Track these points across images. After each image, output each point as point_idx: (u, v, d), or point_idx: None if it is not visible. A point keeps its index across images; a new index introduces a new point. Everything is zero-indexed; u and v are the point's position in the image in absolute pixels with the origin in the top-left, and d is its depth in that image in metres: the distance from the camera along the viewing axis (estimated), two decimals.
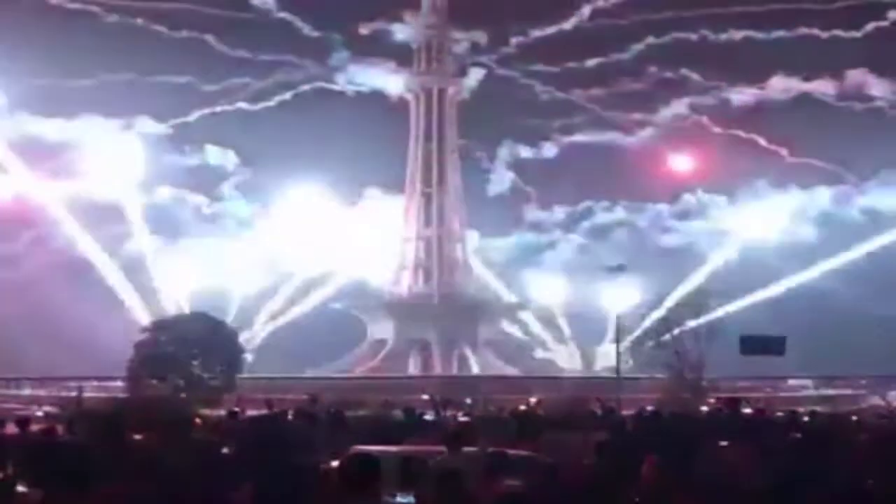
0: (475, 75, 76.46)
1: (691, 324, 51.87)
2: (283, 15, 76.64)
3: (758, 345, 37.55)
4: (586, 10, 76.75)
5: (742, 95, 78.83)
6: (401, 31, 75.85)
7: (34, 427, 20.53)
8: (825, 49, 76.25)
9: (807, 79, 78.04)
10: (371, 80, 77.14)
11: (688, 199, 79.33)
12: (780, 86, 78.09)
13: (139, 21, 73.07)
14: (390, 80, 77.02)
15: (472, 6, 73.10)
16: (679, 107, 79.27)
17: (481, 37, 76.58)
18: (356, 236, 74.15)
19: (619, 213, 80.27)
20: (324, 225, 74.47)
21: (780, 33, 76.95)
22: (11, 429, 20.83)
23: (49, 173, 70.00)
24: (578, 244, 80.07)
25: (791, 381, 63.25)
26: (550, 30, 77.84)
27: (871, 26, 76.67)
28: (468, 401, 39.72)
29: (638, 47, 77.79)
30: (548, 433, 20.71)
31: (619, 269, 65.91)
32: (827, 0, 76.81)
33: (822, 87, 77.89)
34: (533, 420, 25.92)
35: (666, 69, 78.79)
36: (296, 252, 74.14)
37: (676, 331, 52.12)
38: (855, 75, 77.17)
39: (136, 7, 73.40)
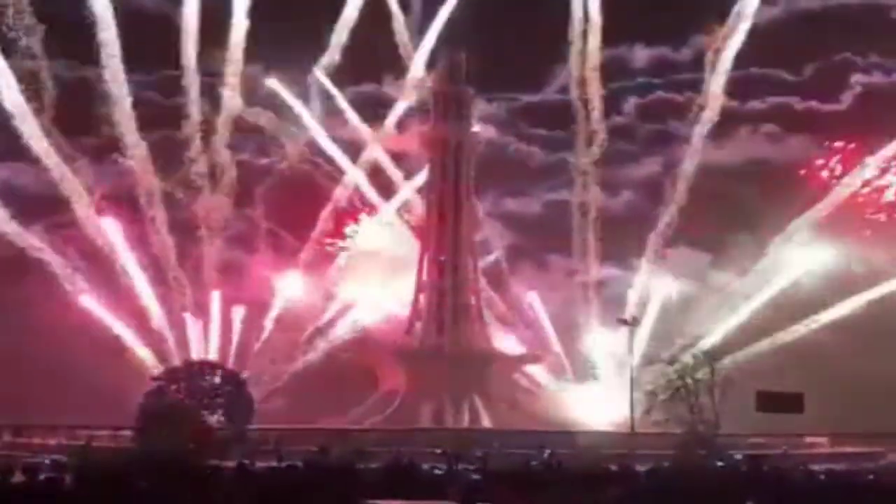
0: (485, 133, 78.00)
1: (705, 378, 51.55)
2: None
3: (774, 401, 36.90)
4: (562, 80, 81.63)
5: (722, 152, 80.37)
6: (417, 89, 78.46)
7: (41, 476, 20.32)
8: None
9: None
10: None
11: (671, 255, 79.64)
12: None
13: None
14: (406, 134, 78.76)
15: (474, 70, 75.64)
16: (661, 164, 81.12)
17: (488, 107, 79.71)
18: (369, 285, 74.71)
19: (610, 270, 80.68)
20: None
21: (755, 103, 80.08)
22: (18, 477, 20.61)
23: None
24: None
25: (807, 438, 62.44)
26: (536, 96, 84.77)
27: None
28: (479, 454, 39.25)
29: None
30: (561, 488, 20.41)
31: (632, 322, 65.90)
32: (798, 71, 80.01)
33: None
34: (546, 475, 25.55)
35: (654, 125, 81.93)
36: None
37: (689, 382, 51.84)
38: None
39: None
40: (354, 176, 79.78)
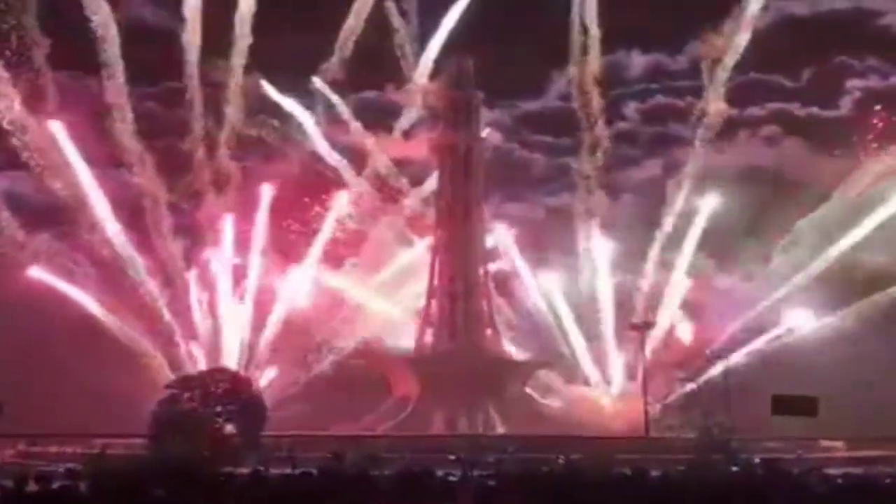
0: (492, 139, 78.38)
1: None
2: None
3: (789, 405, 36.64)
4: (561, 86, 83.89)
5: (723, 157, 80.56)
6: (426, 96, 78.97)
7: (56, 485, 20.35)
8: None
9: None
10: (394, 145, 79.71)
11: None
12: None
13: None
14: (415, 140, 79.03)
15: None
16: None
17: (490, 114, 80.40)
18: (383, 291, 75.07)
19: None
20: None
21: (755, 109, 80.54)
22: (32, 486, 20.65)
23: None
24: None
25: (823, 442, 62.11)
26: (535, 104, 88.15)
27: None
28: (492, 460, 39.19)
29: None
30: (575, 494, 20.32)
31: (644, 327, 65.71)
32: (796, 77, 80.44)
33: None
34: (559, 480, 25.43)
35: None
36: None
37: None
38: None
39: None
40: (357, 184, 79.83)
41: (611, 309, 77.73)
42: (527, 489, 21.51)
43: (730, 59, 77.96)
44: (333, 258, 78.03)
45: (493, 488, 22.12)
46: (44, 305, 68.89)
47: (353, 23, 79.35)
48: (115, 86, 73.11)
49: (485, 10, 79.25)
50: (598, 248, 78.24)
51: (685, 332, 75.77)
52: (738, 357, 68.32)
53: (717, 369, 66.81)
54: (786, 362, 67.83)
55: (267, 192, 76.34)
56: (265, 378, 71.75)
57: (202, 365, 68.53)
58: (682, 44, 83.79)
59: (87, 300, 70.78)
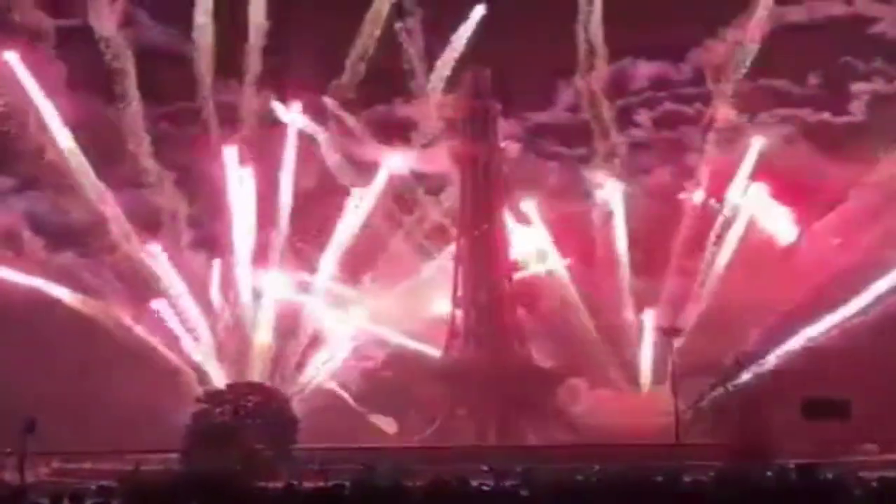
0: (510, 150, 78.34)
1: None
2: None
3: (821, 408, 36.34)
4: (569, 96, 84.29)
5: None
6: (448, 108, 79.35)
7: (89, 503, 20.52)
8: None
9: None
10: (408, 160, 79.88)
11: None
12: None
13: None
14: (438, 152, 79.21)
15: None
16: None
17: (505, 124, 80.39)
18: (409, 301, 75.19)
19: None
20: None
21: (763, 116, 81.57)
22: None
23: None
24: None
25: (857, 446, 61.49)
26: (543, 114, 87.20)
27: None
28: (522, 469, 39.10)
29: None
30: (607, 501, 20.27)
31: (673, 332, 65.45)
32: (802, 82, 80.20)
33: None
34: (593, 489, 25.35)
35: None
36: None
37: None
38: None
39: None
40: (372, 198, 79.86)
41: (631, 307, 77.78)
42: (559, 498, 21.46)
43: (734, 66, 78.37)
44: (350, 272, 78.15)
45: (525, 498, 22.09)
46: (73, 322, 69.66)
47: (365, 42, 79.82)
48: (131, 110, 74.42)
49: (487, 22, 79.87)
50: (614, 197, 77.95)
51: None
52: (771, 360, 67.98)
53: (748, 374, 66.54)
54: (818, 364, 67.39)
55: (295, 111, 76.01)
56: (293, 389, 71.93)
57: (229, 378, 68.79)
58: (684, 51, 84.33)
59: (70, 296, 71.76)
